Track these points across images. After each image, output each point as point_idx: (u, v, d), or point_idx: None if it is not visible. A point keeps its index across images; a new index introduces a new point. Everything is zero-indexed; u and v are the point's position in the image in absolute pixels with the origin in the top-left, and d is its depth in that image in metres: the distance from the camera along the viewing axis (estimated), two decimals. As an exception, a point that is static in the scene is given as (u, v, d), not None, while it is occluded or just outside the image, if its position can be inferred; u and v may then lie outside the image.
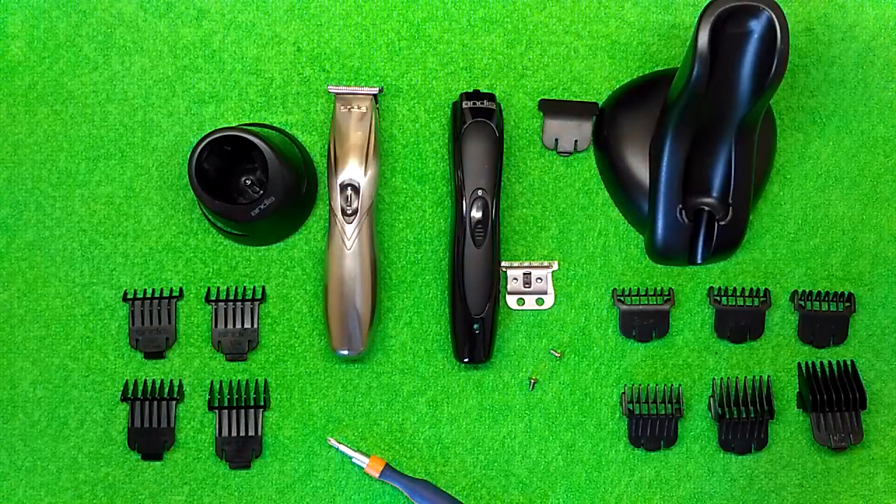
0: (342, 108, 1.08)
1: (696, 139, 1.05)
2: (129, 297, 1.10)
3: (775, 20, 0.97)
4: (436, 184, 1.12)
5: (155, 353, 1.09)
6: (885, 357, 1.12)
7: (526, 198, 1.12)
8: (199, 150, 1.02)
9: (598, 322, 1.11)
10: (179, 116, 1.12)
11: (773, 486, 1.10)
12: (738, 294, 1.11)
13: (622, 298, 1.11)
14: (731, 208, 1.07)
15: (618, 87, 1.13)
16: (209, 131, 1.04)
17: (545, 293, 1.11)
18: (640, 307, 1.10)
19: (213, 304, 1.10)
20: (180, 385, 1.09)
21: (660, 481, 1.10)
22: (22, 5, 1.12)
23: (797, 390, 1.11)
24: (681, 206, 1.08)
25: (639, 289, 1.11)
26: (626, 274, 1.12)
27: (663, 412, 1.09)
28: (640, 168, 1.09)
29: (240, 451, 1.08)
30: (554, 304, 1.11)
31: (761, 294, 1.11)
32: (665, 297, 1.11)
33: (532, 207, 1.12)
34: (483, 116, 1.07)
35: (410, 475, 1.08)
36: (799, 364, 1.11)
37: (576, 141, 1.12)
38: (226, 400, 1.08)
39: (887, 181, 1.13)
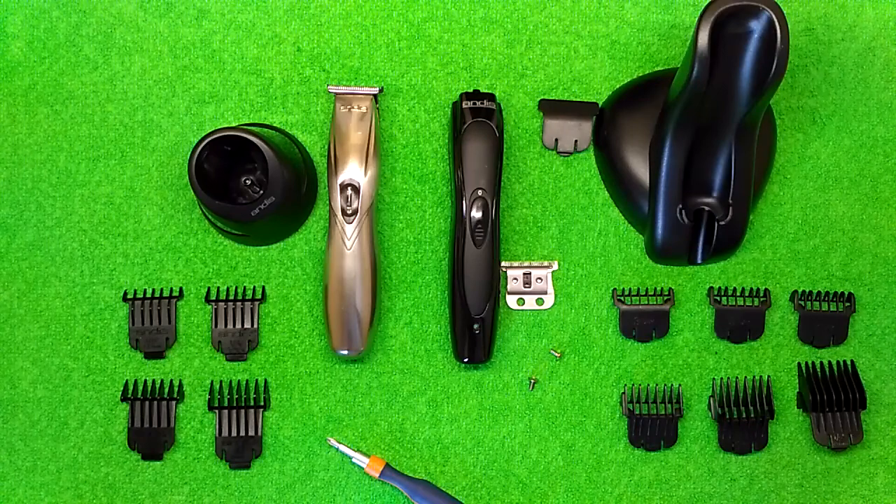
0: (342, 108, 1.08)
1: (696, 139, 1.05)
2: (129, 297, 1.10)
3: (775, 20, 0.97)
4: (436, 184, 1.12)
5: (155, 353, 1.09)
6: (885, 357, 1.12)
7: (526, 198, 1.12)
8: (199, 150, 1.02)
9: (598, 322, 1.11)
10: (179, 116, 1.12)
11: (773, 486, 1.10)
12: (738, 294, 1.11)
13: (622, 298, 1.11)
14: (731, 208, 1.07)
15: (618, 87, 1.13)
16: (209, 131, 1.04)
17: (545, 293, 1.11)
18: (640, 307, 1.10)
19: (213, 304, 1.10)
20: (180, 385, 1.09)
21: (660, 481, 1.10)
22: (22, 5, 1.12)
23: (797, 390, 1.11)
24: (681, 206, 1.08)
25: (639, 289, 1.11)
26: (626, 274, 1.12)
27: (663, 412, 1.09)
28: (640, 168, 1.09)
29: (240, 451, 1.08)
30: (554, 304, 1.11)
31: (761, 294, 1.11)
32: (665, 297, 1.11)
33: (532, 207, 1.12)
34: (483, 116, 1.07)
35: (410, 475, 1.08)
36: (799, 364, 1.11)
37: (576, 141, 1.12)
38: (226, 400, 1.08)
39: (887, 181, 1.13)
